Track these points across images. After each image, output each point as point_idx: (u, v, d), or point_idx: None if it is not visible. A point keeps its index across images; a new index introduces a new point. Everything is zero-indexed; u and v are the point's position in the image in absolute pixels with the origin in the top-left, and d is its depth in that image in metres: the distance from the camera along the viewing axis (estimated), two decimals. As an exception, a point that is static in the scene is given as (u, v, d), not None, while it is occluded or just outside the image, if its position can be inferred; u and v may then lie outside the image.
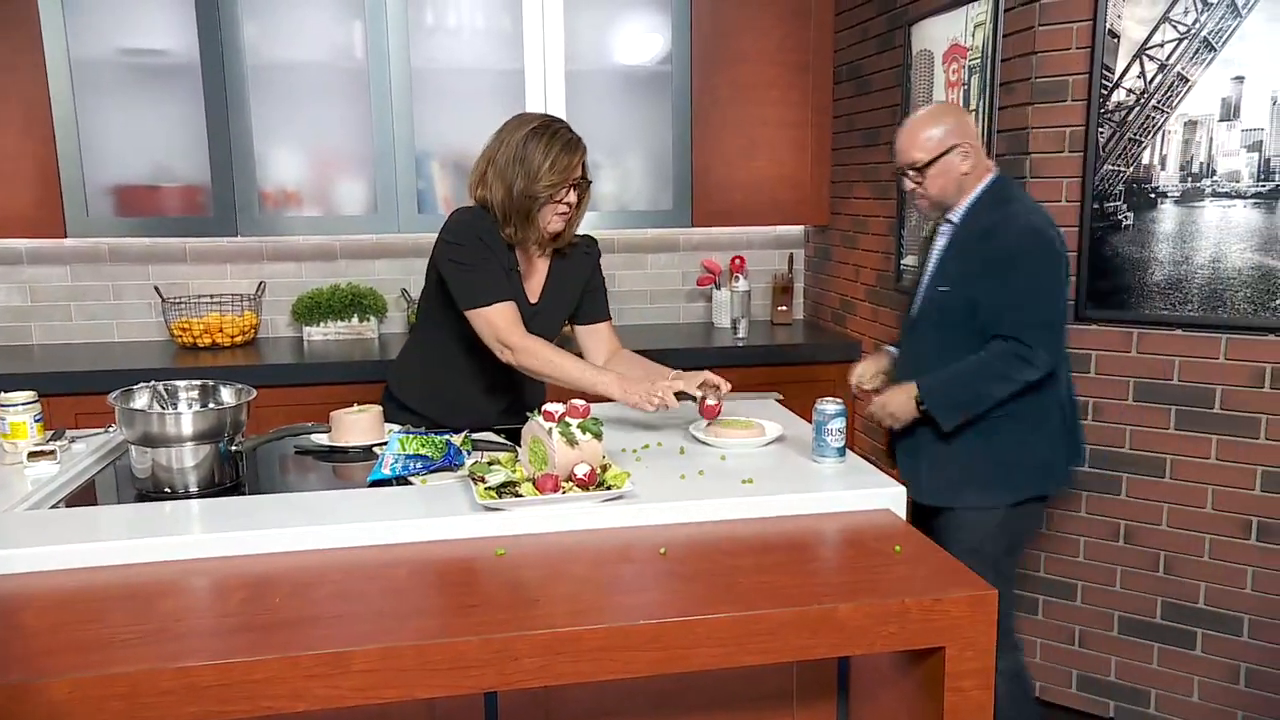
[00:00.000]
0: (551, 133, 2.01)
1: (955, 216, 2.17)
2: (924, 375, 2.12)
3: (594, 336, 2.27)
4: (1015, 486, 2.14)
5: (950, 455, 2.14)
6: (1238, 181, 2.30)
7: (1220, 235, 2.33)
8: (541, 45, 3.24)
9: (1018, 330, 2.03)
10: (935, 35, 2.91)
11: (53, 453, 1.85)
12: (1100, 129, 2.42)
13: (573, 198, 2.05)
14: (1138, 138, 2.39)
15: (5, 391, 1.93)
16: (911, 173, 2.14)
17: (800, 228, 3.86)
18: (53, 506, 1.71)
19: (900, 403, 2.14)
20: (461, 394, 2.20)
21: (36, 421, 1.93)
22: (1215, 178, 2.32)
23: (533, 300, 2.14)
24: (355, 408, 2.05)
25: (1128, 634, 2.57)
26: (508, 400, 2.23)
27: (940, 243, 2.22)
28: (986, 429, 2.11)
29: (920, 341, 2.23)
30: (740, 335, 3.51)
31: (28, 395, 1.93)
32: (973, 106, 2.74)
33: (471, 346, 2.11)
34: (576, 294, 2.23)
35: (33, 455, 1.83)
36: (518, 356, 2.00)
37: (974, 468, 2.13)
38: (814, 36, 3.48)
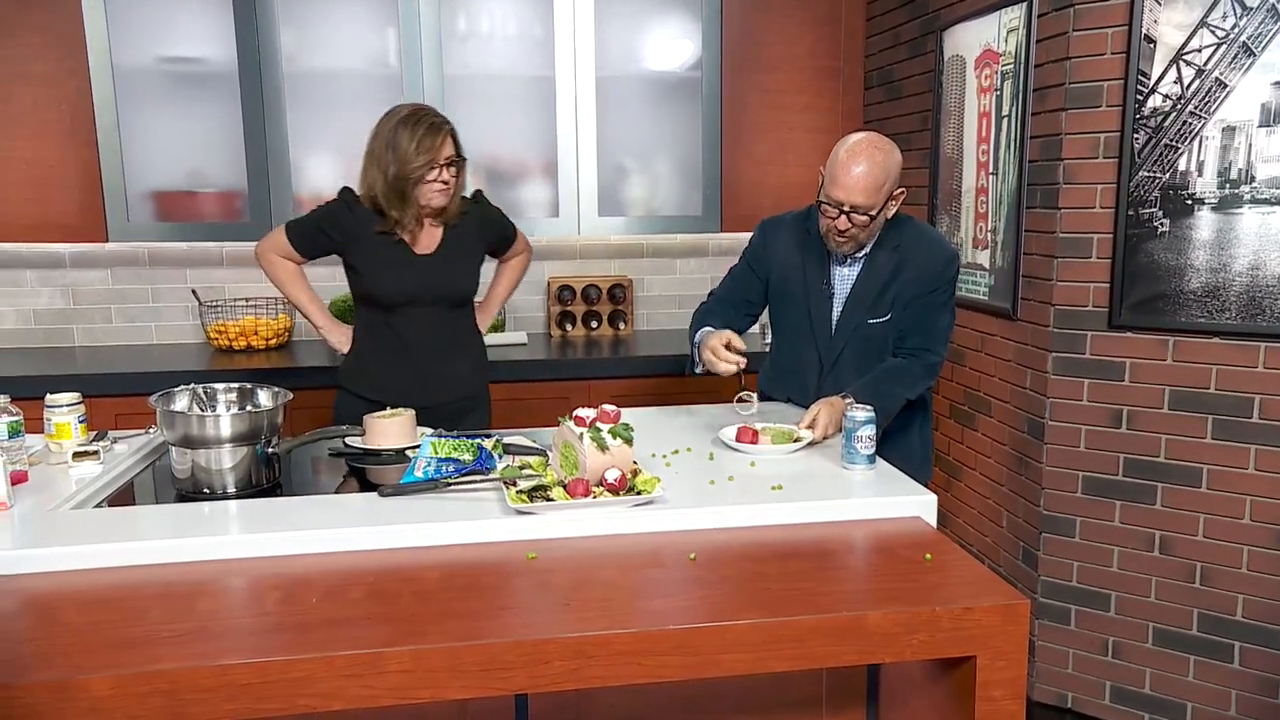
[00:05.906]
0: (417, 119, 2.22)
1: (868, 247, 2.23)
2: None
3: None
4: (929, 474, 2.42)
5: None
6: (1278, 188, 2.26)
7: (1260, 243, 2.30)
8: (572, 51, 3.27)
9: (935, 343, 2.24)
10: (968, 41, 2.90)
11: (96, 453, 1.89)
12: (1136, 135, 2.39)
13: (447, 175, 2.24)
14: (1174, 144, 2.36)
15: (49, 393, 1.97)
16: (858, 216, 2.09)
17: (830, 233, 3.85)
18: (96, 506, 1.75)
19: (837, 420, 2.05)
20: (409, 365, 2.34)
21: (81, 422, 1.96)
22: (1254, 184, 2.29)
23: (423, 251, 2.33)
24: (389, 411, 2.08)
25: (1163, 646, 2.54)
26: (456, 366, 2.42)
27: (849, 273, 2.25)
28: (902, 424, 2.28)
29: (842, 370, 2.27)
30: (769, 340, 3.49)
31: (73, 396, 1.97)
32: (1005, 112, 2.73)
33: (397, 318, 2.34)
34: (476, 244, 2.44)
35: (77, 455, 1.88)
36: (260, 260, 2.39)
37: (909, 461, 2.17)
38: (844, 42, 3.47)
